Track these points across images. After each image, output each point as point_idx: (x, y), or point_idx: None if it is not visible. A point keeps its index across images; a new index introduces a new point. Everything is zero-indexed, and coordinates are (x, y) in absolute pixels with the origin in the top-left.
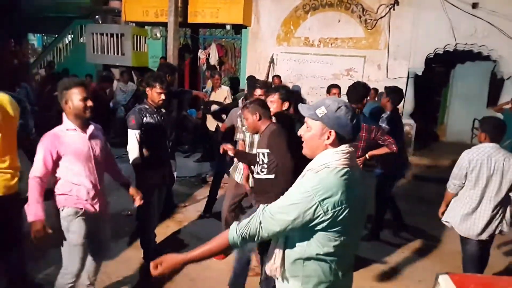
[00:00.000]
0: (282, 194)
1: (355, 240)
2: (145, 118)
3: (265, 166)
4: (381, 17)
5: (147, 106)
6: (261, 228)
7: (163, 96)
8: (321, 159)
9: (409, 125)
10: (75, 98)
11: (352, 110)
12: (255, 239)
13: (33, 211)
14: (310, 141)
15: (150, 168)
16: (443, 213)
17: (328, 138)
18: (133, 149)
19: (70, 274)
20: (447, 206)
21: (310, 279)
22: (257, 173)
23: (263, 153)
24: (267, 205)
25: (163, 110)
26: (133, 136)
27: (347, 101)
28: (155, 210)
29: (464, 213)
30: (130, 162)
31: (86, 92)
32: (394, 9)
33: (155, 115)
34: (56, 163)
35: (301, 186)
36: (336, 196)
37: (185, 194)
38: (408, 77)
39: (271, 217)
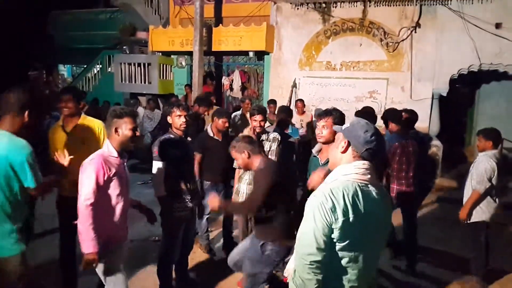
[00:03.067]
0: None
1: (369, 262)
2: (170, 149)
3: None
4: (403, 40)
5: (172, 136)
6: (309, 279)
7: (183, 119)
8: (334, 173)
9: (436, 146)
10: (125, 127)
11: (370, 128)
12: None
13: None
14: (330, 151)
15: (177, 200)
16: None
17: (343, 147)
18: (157, 184)
19: None
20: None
21: None
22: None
23: None
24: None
25: (189, 139)
26: (156, 168)
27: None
28: (178, 243)
29: (492, 205)
30: (154, 195)
31: (135, 123)
32: (415, 32)
33: (179, 144)
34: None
35: (309, 205)
36: (344, 205)
37: (211, 219)
38: (432, 98)
39: (304, 263)
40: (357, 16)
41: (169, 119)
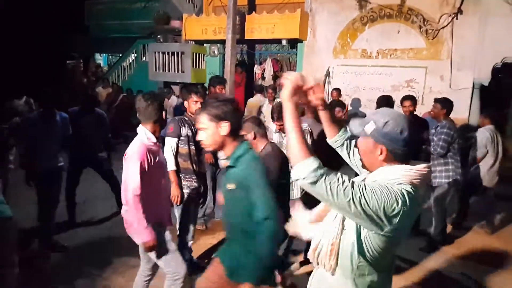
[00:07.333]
0: None
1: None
2: (183, 128)
3: None
4: (443, 27)
5: (186, 118)
6: (343, 194)
7: (199, 105)
8: (388, 174)
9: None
10: (160, 115)
11: (402, 123)
12: (324, 192)
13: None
14: (364, 157)
15: (183, 177)
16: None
17: (381, 154)
18: (169, 159)
19: (182, 278)
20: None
21: (361, 276)
22: None
23: None
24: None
25: None
26: (169, 144)
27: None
28: (191, 219)
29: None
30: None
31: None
32: (457, 18)
33: (193, 127)
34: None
35: (386, 190)
36: (402, 212)
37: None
38: (473, 88)
39: (361, 193)
40: (395, 2)
41: (185, 103)
